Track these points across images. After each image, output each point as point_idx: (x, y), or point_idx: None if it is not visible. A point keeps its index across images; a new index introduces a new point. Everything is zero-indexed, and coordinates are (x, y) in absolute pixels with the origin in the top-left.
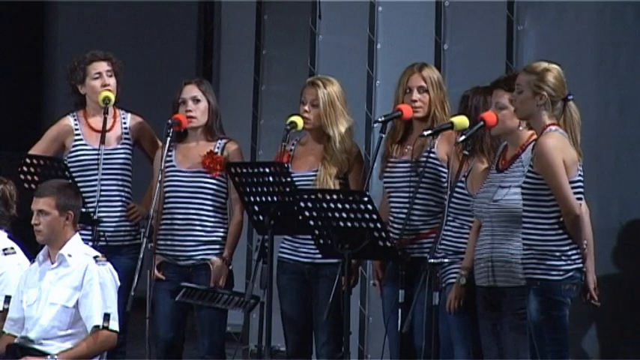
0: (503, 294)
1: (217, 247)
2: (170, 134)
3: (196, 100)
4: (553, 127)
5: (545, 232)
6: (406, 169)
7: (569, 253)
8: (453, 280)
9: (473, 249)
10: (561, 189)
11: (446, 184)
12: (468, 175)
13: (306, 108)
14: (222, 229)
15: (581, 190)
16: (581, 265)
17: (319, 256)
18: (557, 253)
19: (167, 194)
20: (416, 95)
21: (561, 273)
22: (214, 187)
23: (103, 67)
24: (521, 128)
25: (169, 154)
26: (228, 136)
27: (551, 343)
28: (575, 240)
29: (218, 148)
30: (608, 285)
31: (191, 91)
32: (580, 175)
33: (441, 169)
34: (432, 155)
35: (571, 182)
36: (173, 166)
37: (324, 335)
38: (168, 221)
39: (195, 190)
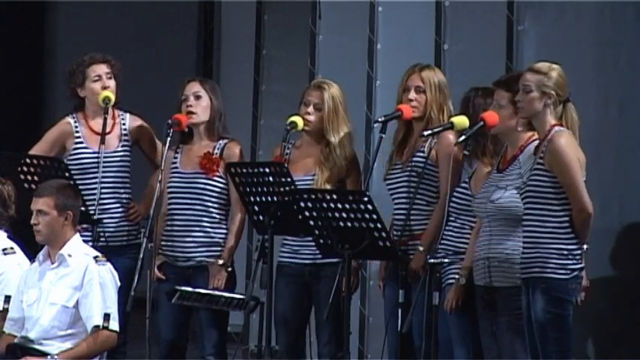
0: (499, 293)
1: (218, 248)
2: (170, 134)
3: (198, 97)
4: (561, 127)
5: (554, 230)
6: (400, 172)
7: (575, 252)
8: (453, 281)
9: (473, 249)
10: (577, 186)
11: (436, 184)
12: (472, 177)
13: (309, 110)
14: (222, 230)
15: None
16: (583, 265)
17: (320, 256)
18: (565, 252)
19: (169, 195)
20: (412, 95)
21: (568, 272)
22: (214, 188)
23: (102, 69)
24: (519, 129)
25: (176, 155)
26: (230, 136)
27: (555, 343)
28: (582, 239)
29: (218, 148)
30: (608, 285)
31: (193, 87)
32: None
33: (431, 168)
34: (420, 155)
35: None
36: (176, 167)
37: (326, 335)
38: (170, 222)
39: (194, 192)
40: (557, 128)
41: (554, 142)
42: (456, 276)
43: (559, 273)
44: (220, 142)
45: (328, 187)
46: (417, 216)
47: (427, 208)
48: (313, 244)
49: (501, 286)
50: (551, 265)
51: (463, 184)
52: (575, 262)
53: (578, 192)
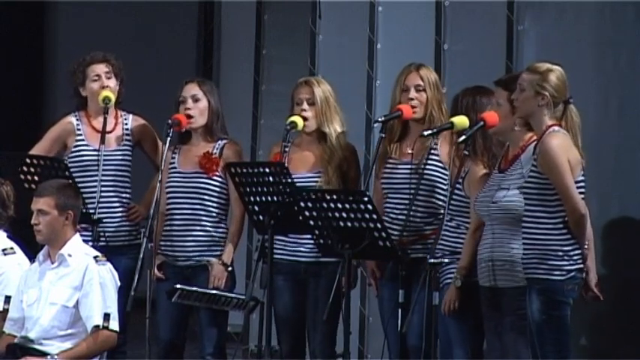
0: (503, 294)
1: (217, 248)
2: (170, 134)
3: (196, 99)
4: (556, 128)
5: (548, 231)
6: (407, 172)
7: (572, 253)
8: (450, 281)
9: (469, 250)
10: (567, 188)
11: (447, 187)
12: (464, 177)
13: (304, 107)
14: (222, 230)
15: (583, 190)
16: (582, 266)
17: (314, 255)
18: (560, 253)
19: (168, 195)
20: (413, 94)
21: (564, 273)
22: (213, 188)
23: (101, 69)
24: (517, 128)
25: (173, 156)
26: (228, 136)
27: (553, 343)
28: (579, 240)
29: (217, 149)
30: (608, 285)
31: (191, 89)
32: (583, 175)
33: (443, 171)
34: (434, 157)
35: (574, 182)
36: (175, 167)
37: (319, 335)
38: (169, 222)
39: (194, 192)
40: (551, 129)
41: (544, 143)
42: (453, 277)
43: (554, 274)
44: (219, 142)
45: (336, 182)
46: (428, 217)
47: (437, 210)
48: (307, 241)
49: (506, 286)
50: (546, 267)
51: (457, 186)
52: (571, 263)
53: (569, 193)
